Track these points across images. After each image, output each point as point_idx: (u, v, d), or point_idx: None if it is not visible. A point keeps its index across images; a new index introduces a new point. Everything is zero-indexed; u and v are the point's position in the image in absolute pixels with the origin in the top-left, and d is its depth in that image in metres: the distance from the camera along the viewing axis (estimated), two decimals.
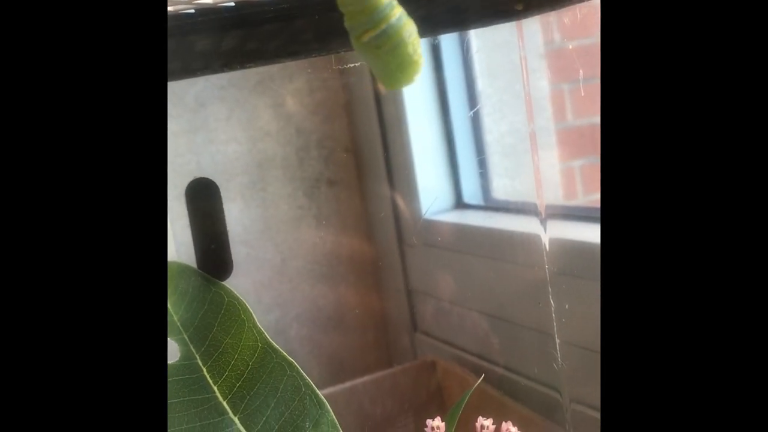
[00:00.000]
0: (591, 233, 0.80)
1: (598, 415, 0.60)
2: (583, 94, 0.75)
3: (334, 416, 0.44)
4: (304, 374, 0.44)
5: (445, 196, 1.08)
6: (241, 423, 0.43)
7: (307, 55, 0.42)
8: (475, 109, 1.05)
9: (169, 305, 0.44)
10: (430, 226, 1.09)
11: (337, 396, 1.02)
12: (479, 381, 0.56)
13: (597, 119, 0.34)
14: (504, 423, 0.45)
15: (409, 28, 0.32)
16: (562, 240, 0.82)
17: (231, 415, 0.43)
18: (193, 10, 0.40)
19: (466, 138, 1.07)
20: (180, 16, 0.40)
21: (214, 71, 0.41)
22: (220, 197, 0.46)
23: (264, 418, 0.43)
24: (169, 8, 0.37)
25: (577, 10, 0.63)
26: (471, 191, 1.08)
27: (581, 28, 0.74)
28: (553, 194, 0.94)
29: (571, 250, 0.82)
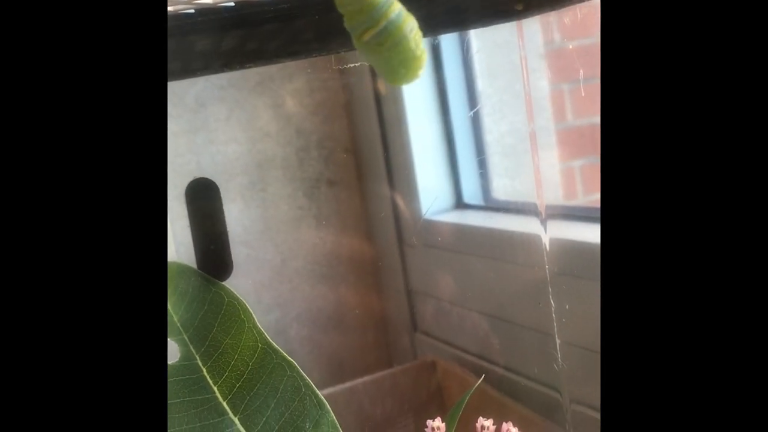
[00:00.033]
0: (591, 233, 0.80)
1: (598, 415, 0.60)
2: (583, 94, 0.75)
3: (334, 417, 0.44)
4: (304, 374, 0.44)
5: (445, 196, 1.08)
6: (241, 423, 0.43)
7: (306, 56, 0.42)
8: (475, 109, 1.05)
9: (168, 306, 0.44)
10: (430, 226, 1.09)
11: (337, 396, 1.02)
12: (479, 381, 0.56)
13: (597, 119, 0.34)
14: (504, 423, 0.45)
15: (409, 23, 0.32)
16: (562, 240, 0.82)
17: (231, 415, 0.43)
18: (192, 10, 0.40)
19: (466, 138, 1.07)
20: (180, 16, 0.40)
21: (214, 71, 0.41)
22: (220, 197, 0.46)
23: (264, 419, 0.43)
24: (169, 8, 0.37)
25: (577, 10, 0.63)
26: (471, 191, 1.08)
27: (581, 28, 0.74)
28: (553, 194, 0.94)
29: (571, 250, 0.82)
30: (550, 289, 0.81)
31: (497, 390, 0.93)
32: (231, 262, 0.45)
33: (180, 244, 0.69)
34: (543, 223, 0.83)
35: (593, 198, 0.99)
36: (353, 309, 1.22)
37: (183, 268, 0.45)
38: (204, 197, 0.45)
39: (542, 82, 0.96)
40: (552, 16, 0.83)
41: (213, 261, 0.45)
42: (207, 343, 0.44)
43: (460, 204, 1.09)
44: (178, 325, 0.44)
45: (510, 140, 1.01)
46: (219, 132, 1.15)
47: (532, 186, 0.86)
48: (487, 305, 0.99)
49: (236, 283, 0.45)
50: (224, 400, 0.43)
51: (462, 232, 1.05)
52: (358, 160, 1.21)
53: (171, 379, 0.42)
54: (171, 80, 0.36)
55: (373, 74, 1.13)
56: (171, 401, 0.42)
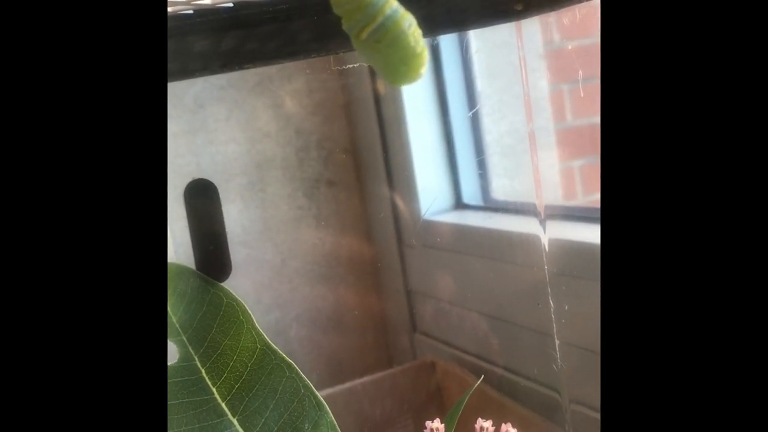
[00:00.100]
0: (591, 233, 0.80)
1: (597, 415, 0.60)
2: (582, 95, 0.75)
3: (333, 417, 0.44)
4: (303, 375, 0.44)
5: (445, 196, 1.08)
6: (239, 424, 0.43)
7: (305, 56, 0.42)
8: (475, 110, 1.05)
9: (167, 306, 0.44)
10: (430, 226, 1.09)
11: (337, 397, 1.02)
12: (479, 382, 0.56)
13: (596, 119, 0.34)
14: (503, 424, 0.45)
15: (407, 19, 0.32)
16: (562, 240, 0.82)
17: (230, 416, 0.43)
18: (191, 11, 0.40)
19: (465, 138, 1.07)
20: (179, 17, 0.40)
21: (213, 72, 0.41)
22: (218, 198, 0.45)
23: (263, 420, 0.43)
24: (168, 9, 0.37)
25: (576, 10, 0.63)
26: (470, 192, 1.08)
27: (581, 28, 0.74)
28: (553, 194, 0.94)
29: (570, 250, 0.82)
30: (549, 289, 0.81)
31: (496, 390, 0.93)
32: (230, 262, 0.45)
33: (179, 244, 0.69)
34: (542, 223, 0.83)
35: (593, 198, 0.99)
36: (353, 309, 1.22)
37: (182, 269, 0.45)
38: (203, 198, 0.45)
39: (541, 83, 0.96)
40: (551, 17, 0.83)
41: (212, 262, 0.45)
42: (206, 344, 0.44)
43: (459, 204, 1.09)
44: (177, 326, 0.44)
45: (509, 140, 1.01)
46: (218, 132, 1.15)
47: (531, 186, 0.86)
48: (487, 306, 0.99)
49: (235, 284, 0.45)
50: (223, 401, 0.43)
51: (461, 232, 1.05)
52: (358, 160, 1.21)
53: (170, 380, 0.42)
54: (170, 81, 0.36)
55: (373, 75, 1.13)
56: (170, 402, 0.42)
